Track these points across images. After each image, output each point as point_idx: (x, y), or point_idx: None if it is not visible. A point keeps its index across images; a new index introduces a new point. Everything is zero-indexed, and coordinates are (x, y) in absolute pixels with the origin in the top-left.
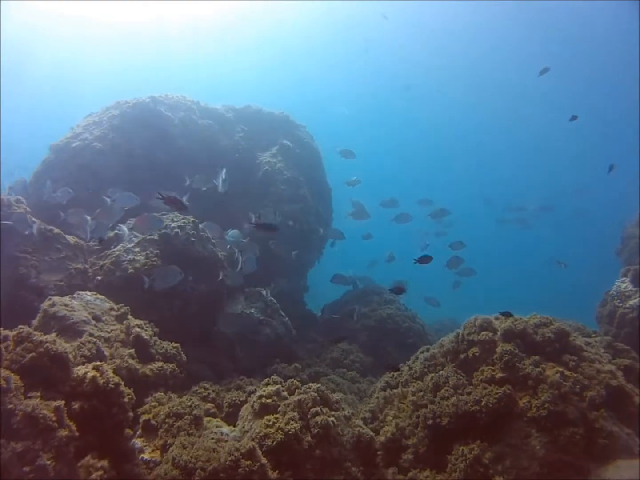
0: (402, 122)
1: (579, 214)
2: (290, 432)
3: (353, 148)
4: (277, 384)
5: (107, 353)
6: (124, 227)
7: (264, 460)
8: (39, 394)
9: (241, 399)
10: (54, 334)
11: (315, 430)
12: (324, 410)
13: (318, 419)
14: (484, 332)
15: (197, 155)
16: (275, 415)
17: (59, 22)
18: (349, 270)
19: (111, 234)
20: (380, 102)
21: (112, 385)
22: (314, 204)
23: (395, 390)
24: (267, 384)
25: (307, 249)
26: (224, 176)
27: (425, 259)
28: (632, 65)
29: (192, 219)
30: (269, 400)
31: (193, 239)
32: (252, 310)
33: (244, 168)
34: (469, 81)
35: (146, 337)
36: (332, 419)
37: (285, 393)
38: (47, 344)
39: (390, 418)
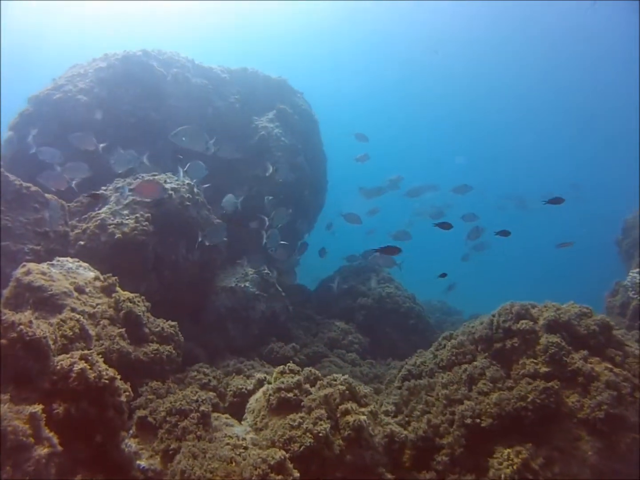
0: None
1: (576, 198)
2: (320, 435)
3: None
4: (296, 374)
5: (92, 332)
6: (125, 187)
7: (296, 474)
8: (7, 396)
9: (248, 388)
10: (28, 312)
11: (347, 433)
12: (354, 407)
13: (349, 418)
14: (523, 321)
15: (189, 116)
16: (300, 414)
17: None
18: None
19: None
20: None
21: (106, 381)
22: (310, 174)
23: (420, 381)
24: (283, 373)
25: (300, 219)
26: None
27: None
28: (632, 65)
29: (187, 181)
30: (289, 395)
31: (188, 203)
32: (247, 284)
33: (238, 132)
34: (471, 79)
35: (139, 314)
36: (364, 417)
37: (307, 386)
38: (21, 326)
39: (419, 413)
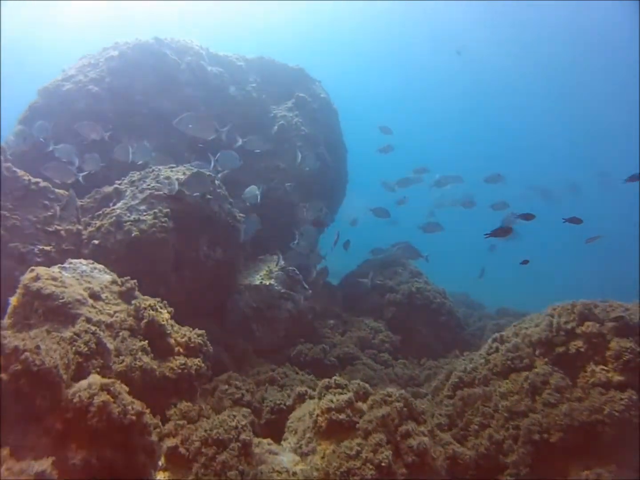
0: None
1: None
2: (382, 465)
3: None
4: (343, 389)
5: (111, 346)
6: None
7: None
8: (7, 451)
9: (287, 403)
10: (34, 331)
11: (410, 458)
12: (414, 427)
13: (412, 442)
14: (588, 323)
15: (205, 105)
16: (356, 440)
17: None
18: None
19: (110, 188)
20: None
21: (133, 417)
22: (332, 165)
23: (474, 390)
24: (328, 388)
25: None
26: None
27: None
28: (632, 65)
29: (207, 173)
30: (341, 416)
31: (209, 196)
32: (272, 282)
33: (255, 122)
34: (472, 81)
35: (162, 323)
36: (426, 439)
37: (360, 404)
38: (26, 354)
39: (477, 427)
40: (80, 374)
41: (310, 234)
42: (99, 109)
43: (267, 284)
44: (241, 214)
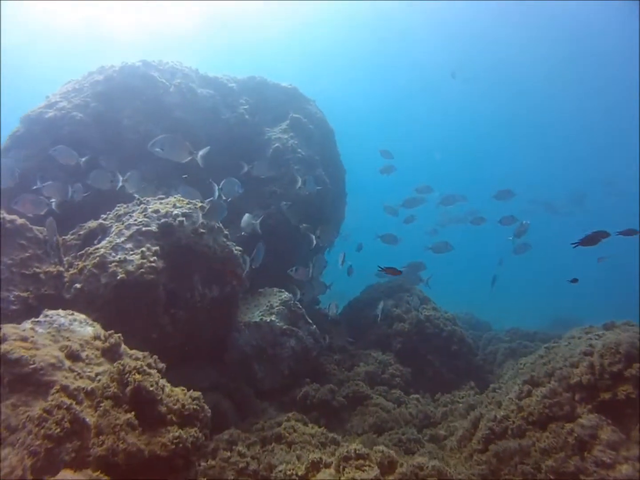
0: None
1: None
2: None
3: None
4: (365, 459)
5: (90, 421)
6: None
7: None
8: None
9: (299, 474)
10: None
11: None
12: None
13: None
14: (638, 365)
15: (196, 129)
16: None
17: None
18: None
19: (94, 223)
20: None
21: None
22: (330, 186)
23: (509, 444)
24: (348, 459)
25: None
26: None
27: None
28: (632, 65)
29: (200, 204)
30: None
31: (202, 231)
32: (273, 318)
33: (249, 145)
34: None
35: (151, 388)
36: None
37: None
38: None
39: None
40: (49, 466)
41: (321, 264)
42: (83, 136)
43: (268, 320)
44: (238, 247)
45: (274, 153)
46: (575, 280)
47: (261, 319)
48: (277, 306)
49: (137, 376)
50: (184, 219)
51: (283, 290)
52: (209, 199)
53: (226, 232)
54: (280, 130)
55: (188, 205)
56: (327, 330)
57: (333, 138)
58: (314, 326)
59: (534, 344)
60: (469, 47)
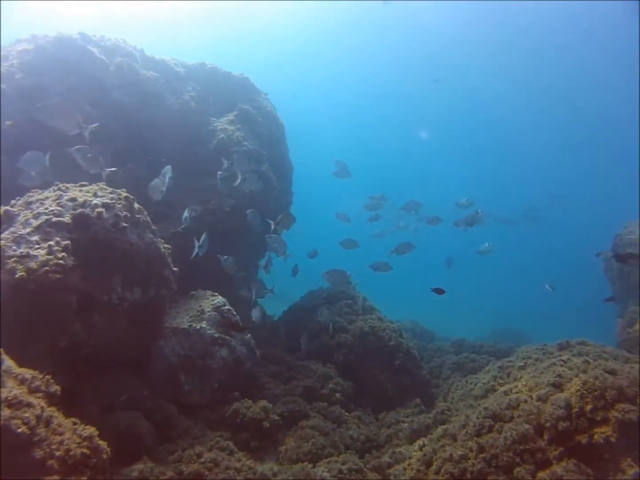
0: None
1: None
2: None
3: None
4: None
5: None
6: None
7: None
8: None
9: None
10: None
11: None
12: None
13: None
14: (621, 406)
15: (135, 113)
16: None
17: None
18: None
19: None
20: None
21: None
22: (276, 184)
23: None
24: None
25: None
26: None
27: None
28: (632, 65)
29: (124, 194)
30: None
31: (125, 225)
32: (204, 325)
33: (192, 134)
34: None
35: (21, 430)
36: None
37: None
38: None
39: None
40: None
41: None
42: (4, 111)
43: (198, 327)
44: (166, 245)
45: (218, 145)
46: (610, 299)
47: (190, 326)
48: (208, 311)
49: (6, 412)
50: (103, 210)
51: (217, 294)
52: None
53: (154, 227)
54: (227, 121)
55: (111, 195)
56: (264, 338)
57: (283, 133)
58: (249, 335)
59: (482, 358)
60: (460, 49)
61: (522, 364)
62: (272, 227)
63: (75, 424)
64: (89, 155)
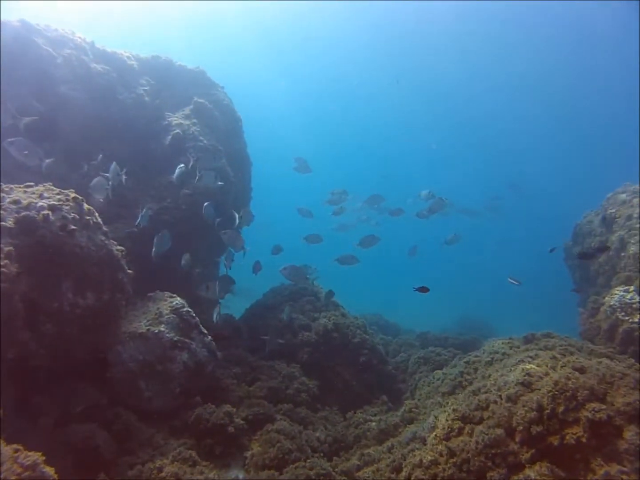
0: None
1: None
2: None
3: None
4: None
5: None
6: None
7: None
8: None
9: None
10: None
11: None
12: None
13: None
14: (592, 405)
15: (86, 108)
16: None
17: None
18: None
19: None
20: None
21: None
22: (234, 180)
23: None
24: None
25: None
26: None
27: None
28: (632, 65)
29: (72, 195)
30: None
31: (73, 227)
32: (162, 328)
33: (146, 130)
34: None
35: None
36: None
37: None
38: None
39: None
40: None
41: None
42: None
43: (156, 330)
44: (119, 247)
45: (173, 140)
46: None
47: (148, 330)
48: (167, 314)
49: None
50: (49, 212)
51: (175, 295)
52: None
53: (105, 228)
54: (182, 116)
55: (58, 196)
56: (226, 338)
57: (240, 128)
58: (209, 337)
59: (447, 352)
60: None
61: (489, 359)
62: (237, 220)
63: (17, 451)
64: (26, 148)
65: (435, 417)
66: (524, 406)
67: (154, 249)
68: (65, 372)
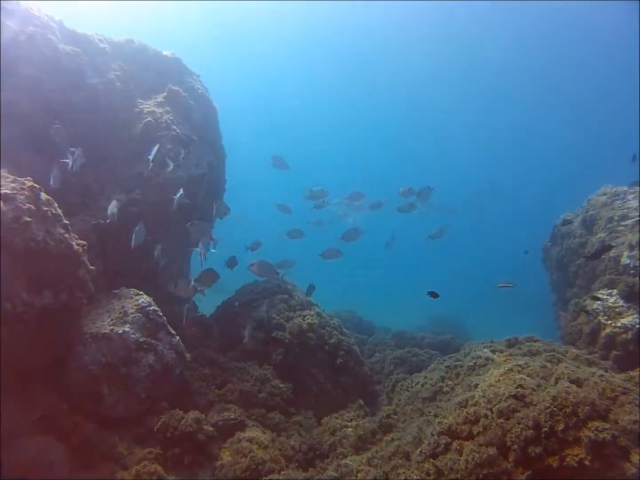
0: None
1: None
2: None
3: None
4: None
5: None
6: None
7: None
8: None
9: None
10: None
11: None
12: None
13: None
14: (593, 424)
15: (52, 92)
16: None
17: None
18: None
19: None
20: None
21: None
22: (208, 172)
23: None
24: None
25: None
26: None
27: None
28: (632, 66)
29: (29, 183)
30: None
31: (28, 219)
32: (127, 328)
33: (117, 117)
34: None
35: None
36: None
37: None
38: None
39: None
40: None
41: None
42: None
43: (120, 331)
44: (80, 242)
45: (145, 129)
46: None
47: (112, 330)
48: (132, 313)
49: None
50: (1, 202)
51: (142, 292)
52: None
53: (65, 221)
54: (155, 104)
55: (12, 184)
56: (196, 338)
57: (215, 117)
58: (177, 337)
59: (424, 352)
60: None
61: (471, 363)
62: (226, 211)
63: None
64: None
65: (420, 429)
66: (518, 423)
67: (132, 241)
68: (20, 378)
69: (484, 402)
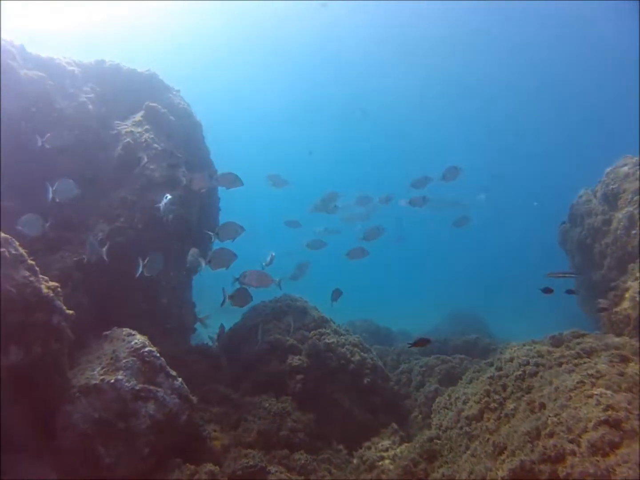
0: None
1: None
2: None
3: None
4: None
5: None
6: None
7: None
8: None
9: None
10: None
11: None
12: None
13: None
14: None
15: (16, 121)
16: None
17: None
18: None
19: None
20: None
21: None
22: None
23: None
24: None
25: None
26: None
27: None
28: (632, 66)
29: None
30: None
31: None
32: (120, 375)
33: (93, 141)
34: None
35: None
36: None
37: None
38: None
39: None
40: None
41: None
42: None
43: (112, 380)
44: (52, 284)
45: (124, 150)
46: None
47: (103, 380)
48: (124, 357)
49: None
50: None
51: (135, 332)
52: None
53: (31, 261)
54: (133, 123)
55: None
56: (203, 374)
57: (200, 133)
58: (180, 380)
59: (453, 358)
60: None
61: (519, 372)
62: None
63: None
64: None
65: (486, 467)
66: (626, 462)
67: (145, 271)
68: (5, 446)
69: (562, 431)
